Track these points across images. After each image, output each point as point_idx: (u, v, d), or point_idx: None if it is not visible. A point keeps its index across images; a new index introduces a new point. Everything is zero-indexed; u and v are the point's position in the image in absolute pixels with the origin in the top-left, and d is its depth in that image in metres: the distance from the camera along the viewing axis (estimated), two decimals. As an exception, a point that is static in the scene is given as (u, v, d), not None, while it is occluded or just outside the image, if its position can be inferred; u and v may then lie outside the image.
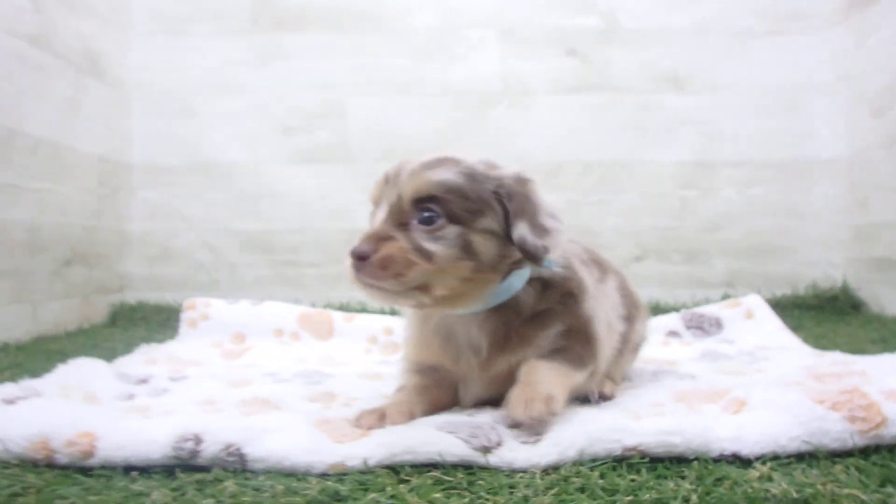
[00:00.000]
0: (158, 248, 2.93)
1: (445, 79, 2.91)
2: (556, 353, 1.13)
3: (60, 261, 2.42)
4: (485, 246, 1.07)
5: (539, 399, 1.02)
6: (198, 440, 0.92)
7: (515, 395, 1.05)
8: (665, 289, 2.88)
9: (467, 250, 1.06)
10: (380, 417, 1.06)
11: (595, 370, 1.18)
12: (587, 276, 1.24)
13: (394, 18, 2.92)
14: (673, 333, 1.94)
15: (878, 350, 1.77)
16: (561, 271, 1.16)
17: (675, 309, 2.85)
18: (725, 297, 2.91)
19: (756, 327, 1.93)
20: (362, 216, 2.98)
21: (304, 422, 1.01)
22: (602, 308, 1.25)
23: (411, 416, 1.10)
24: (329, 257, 2.95)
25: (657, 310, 2.77)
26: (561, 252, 1.18)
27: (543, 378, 1.08)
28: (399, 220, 1.06)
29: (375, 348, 1.81)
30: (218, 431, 0.93)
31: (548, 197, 1.12)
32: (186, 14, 2.95)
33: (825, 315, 2.59)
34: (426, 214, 1.05)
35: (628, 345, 1.40)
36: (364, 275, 1.01)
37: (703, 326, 1.94)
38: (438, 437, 0.94)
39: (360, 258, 1.01)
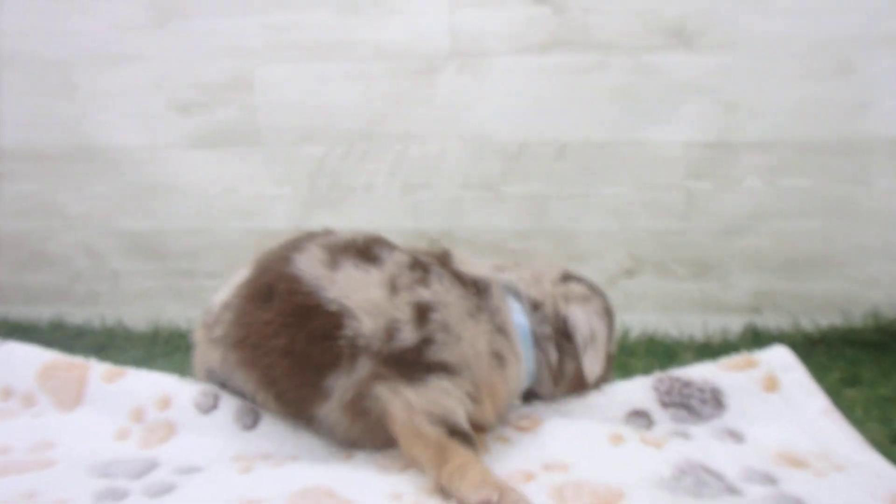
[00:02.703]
0: (28, 251, 2.38)
1: (379, 38, 2.27)
2: None
3: None
4: None
5: None
6: None
7: None
8: (666, 314, 2.15)
9: None
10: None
11: None
12: None
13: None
14: (638, 414, 1.13)
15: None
16: None
17: (681, 342, 2.14)
18: (750, 327, 2.18)
19: (782, 408, 1.10)
20: (274, 214, 2.36)
21: None
22: None
23: None
24: (233, 265, 2.33)
25: (653, 345, 2.07)
26: None
27: None
28: None
29: (137, 430, 1.09)
30: None
31: None
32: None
33: (891, 356, 1.82)
34: None
35: None
36: None
37: (691, 403, 1.12)
38: None
39: None
